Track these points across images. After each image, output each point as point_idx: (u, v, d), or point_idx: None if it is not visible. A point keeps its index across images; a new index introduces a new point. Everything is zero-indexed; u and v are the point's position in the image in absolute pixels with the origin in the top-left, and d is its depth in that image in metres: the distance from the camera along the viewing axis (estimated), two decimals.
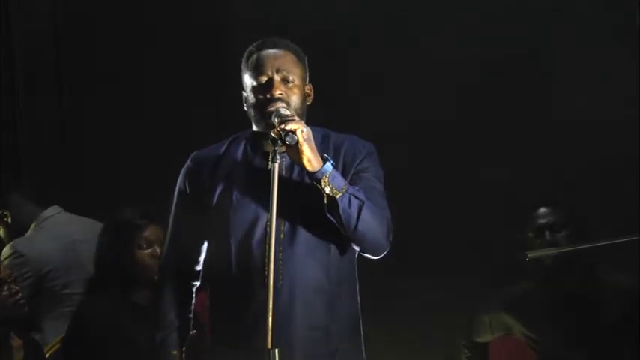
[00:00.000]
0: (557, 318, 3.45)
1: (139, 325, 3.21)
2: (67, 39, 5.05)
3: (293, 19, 4.36)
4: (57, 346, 3.61)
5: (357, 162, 2.63)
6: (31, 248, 4.07)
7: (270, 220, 2.33)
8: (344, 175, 2.59)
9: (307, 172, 2.49)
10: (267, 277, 2.30)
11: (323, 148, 2.59)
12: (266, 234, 2.50)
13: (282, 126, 2.43)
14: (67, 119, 5.05)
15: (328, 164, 2.48)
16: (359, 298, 2.71)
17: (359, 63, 4.51)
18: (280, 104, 2.55)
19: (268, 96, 2.57)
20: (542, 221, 3.51)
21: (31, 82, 4.98)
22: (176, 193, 2.75)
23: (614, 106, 4.17)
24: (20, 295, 3.25)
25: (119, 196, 4.51)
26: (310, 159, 2.45)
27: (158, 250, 3.31)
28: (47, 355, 3.56)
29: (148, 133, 4.79)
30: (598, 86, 4.21)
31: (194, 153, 2.77)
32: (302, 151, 2.44)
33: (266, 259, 2.46)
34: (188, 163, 2.75)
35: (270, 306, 2.27)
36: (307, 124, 2.55)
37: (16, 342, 3.27)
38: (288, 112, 2.52)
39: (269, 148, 2.47)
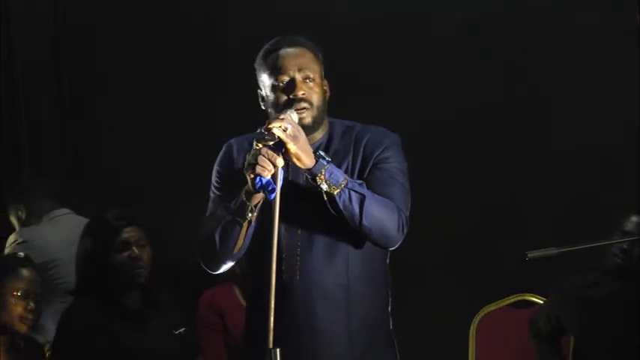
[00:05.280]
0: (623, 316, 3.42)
1: (125, 328, 3.19)
2: (67, 39, 5.04)
3: (293, 18, 4.36)
4: None
5: (377, 153, 2.60)
6: (37, 236, 4.19)
7: (273, 218, 2.34)
8: (363, 166, 2.59)
9: (303, 170, 2.48)
10: (270, 275, 2.29)
11: (344, 141, 2.61)
12: (280, 231, 2.48)
13: (265, 125, 2.42)
14: (68, 119, 5.05)
15: (322, 161, 2.47)
16: (388, 296, 2.69)
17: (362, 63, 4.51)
18: (304, 104, 2.55)
19: (292, 97, 2.56)
20: (630, 229, 3.43)
21: (32, 82, 4.98)
22: (213, 175, 2.70)
23: (614, 105, 4.17)
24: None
25: (119, 196, 4.52)
26: (299, 156, 2.44)
27: (137, 251, 3.25)
28: (47, 355, 3.55)
29: (148, 133, 4.79)
30: (598, 86, 4.22)
31: (231, 140, 2.73)
32: (288, 148, 2.42)
33: (280, 256, 2.51)
34: (224, 148, 2.72)
35: (272, 305, 2.27)
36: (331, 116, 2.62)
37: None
38: (294, 115, 2.51)
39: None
